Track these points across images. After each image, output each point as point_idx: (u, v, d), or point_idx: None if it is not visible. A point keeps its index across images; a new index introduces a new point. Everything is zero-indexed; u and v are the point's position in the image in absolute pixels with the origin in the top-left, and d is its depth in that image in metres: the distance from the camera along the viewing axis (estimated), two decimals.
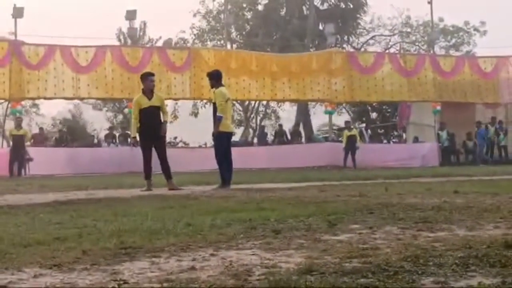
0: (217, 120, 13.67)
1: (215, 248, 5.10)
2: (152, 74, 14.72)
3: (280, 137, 34.77)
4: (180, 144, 37.92)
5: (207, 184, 14.67)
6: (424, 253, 4.64)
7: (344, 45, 47.04)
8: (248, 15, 49.77)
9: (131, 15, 33.16)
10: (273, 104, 47.06)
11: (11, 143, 26.56)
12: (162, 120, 14.05)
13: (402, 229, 6.09)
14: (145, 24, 45.36)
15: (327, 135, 37.20)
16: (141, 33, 44.62)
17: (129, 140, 30.39)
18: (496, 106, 34.43)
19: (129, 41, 41.07)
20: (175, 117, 45.43)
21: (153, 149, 14.03)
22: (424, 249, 4.84)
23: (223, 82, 14.41)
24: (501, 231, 5.52)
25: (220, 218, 7.14)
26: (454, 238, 5.43)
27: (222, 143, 13.89)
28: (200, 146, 34.67)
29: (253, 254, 4.82)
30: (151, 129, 13.74)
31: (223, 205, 9.09)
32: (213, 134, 13.99)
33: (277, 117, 50.17)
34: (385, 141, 39.50)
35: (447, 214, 7.28)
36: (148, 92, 13.93)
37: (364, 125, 42.56)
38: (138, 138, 14.01)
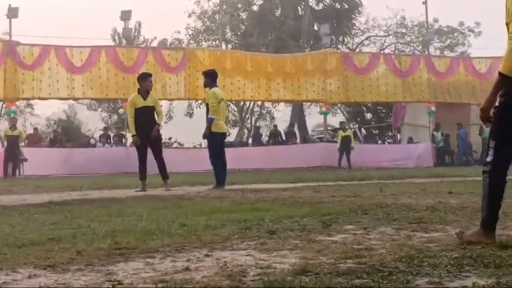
0: (208, 121, 13.67)
1: (210, 249, 5.10)
2: (150, 75, 14.72)
3: (275, 137, 34.80)
4: (174, 145, 37.93)
5: (202, 185, 14.68)
6: (418, 254, 4.64)
7: (339, 46, 47.09)
8: (243, 15, 49.85)
9: (126, 15, 33.13)
10: (268, 104, 47.09)
11: (5, 143, 26.50)
12: (157, 122, 14.06)
13: (396, 230, 6.09)
14: (140, 24, 45.38)
15: (321, 135, 37.23)
16: (136, 34, 44.59)
17: (123, 140, 30.53)
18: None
19: (124, 42, 41.06)
20: (170, 117, 45.46)
21: (149, 149, 14.07)
22: (418, 250, 4.84)
23: (217, 83, 14.41)
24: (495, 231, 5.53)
25: (214, 218, 7.14)
26: (448, 238, 5.44)
27: (216, 143, 13.87)
28: (194, 147, 34.68)
29: (247, 255, 4.82)
30: (145, 129, 13.74)
31: (217, 205, 9.09)
32: (204, 136, 13.98)
33: (272, 118, 50.24)
34: (379, 141, 39.56)
35: (442, 214, 7.29)
36: (144, 92, 13.94)
37: (357, 125, 42.67)
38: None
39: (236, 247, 5.22)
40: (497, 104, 5.09)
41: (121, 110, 32.18)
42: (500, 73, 4.99)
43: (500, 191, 5.14)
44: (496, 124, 5.14)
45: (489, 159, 5.15)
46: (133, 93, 14.46)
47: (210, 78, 14.05)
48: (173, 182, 14.40)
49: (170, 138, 37.46)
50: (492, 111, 5.14)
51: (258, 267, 4.32)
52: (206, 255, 4.82)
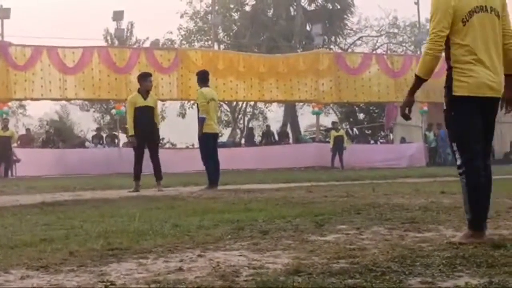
0: (199, 121, 13.71)
1: (203, 249, 5.10)
2: (150, 75, 14.76)
3: (268, 137, 34.79)
4: (167, 145, 37.90)
5: (195, 185, 14.68)
6: (411, 254, 4.65)
7: (331, 46, 47.13)
8: (236, 16, 49.81)
9: (118, 16, 33.10)
10: (260, 104, 47.10)
11: None
12: (157, 123, 14.12)
13: (389, 230, 6.10)
14: (132, 25, 45.31)
15: (314, 135, 37.24)
16: (128, 34, 44.54)
17: (116, 141, 30.48)
18: None
19: (116, 42, 41.01)
20: (163, 118, 45.42)
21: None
22: (411, 250, 4.85)
23: (210, 83, 14.42)
24: (487, 231, 5.53)
25: (207, 219, 7.14)
26: (441, 238, 5.45)
27: (207, 144, 13.86)
28: (187, 147, 34.66)
29: (240, 255, 4.82)
30: (145, 128, 13.75)
31: (210, 206, 9.09)
32: (199, 137, 13.97)
33: (265, 118, 50.22)
34: (372, 141, 39.59)
35: (434, 214, 7.30)
36: (144, 92, 13.97)
37: (349, 126, 42.73)
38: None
39: (229, 247, 5.22)
40: (444, 107, 5.24)
41: (113, 111, 32.10)
42: (416, 75, 5.30)
43: (480, 190, 5.18)
44: (450, 126, 5.29)
45: (459, 162, 5.24)
46: (133, 93, 14.50)
47: (200, 78, 14.12)
48: (166, 182, 14.40)
49: (162, 139, 37.39)
50: (443, 115, 5.39)
51: (251, 267, 4.33)
52: (199, 256, 4.83)
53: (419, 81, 5.32)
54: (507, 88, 5.34)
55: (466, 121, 5.17)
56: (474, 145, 5.21)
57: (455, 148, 5.25)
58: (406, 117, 5.50)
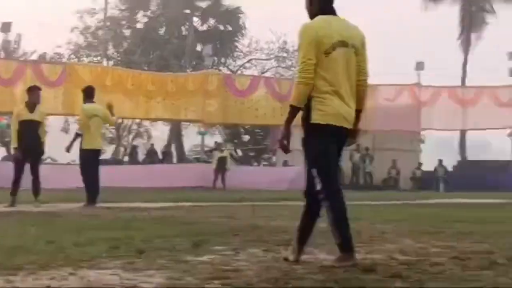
0: (74, 135, 13.73)
1: (75, 267, 5.01)
2: (39, 89, 14.42)
3: (152, 156, 34.61)
4: (48, 160, 37.08)
5: (74, 202, 14.40)
6: (284, 276, 4.71)
7: (221, 67, 47.36)
8: (127, 32, 49.42)
9: (6, 27, 32.50)
10: (146, 123, 46.80)
11: None
12: (41, 137, 13.80)
13: (265, 252, 6.16)
14: (20, 37, 44.36)
15: (199, 155, 37.29)
16: (16, 46, 43.60)
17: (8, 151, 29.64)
18: (363, 132, 35.35)
19: (2, 54, 40.08)
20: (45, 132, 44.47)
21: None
22: (284, 272, 4.91)
23: (96, 99, 14.32)
24: (360, 255, 5.66)
25: (84, 236, 7.03)
26: (315, 261, 5.54)
27: (87, 160, 13.70)
28: (68, 163, 34.04)
29: (113, 274, 4.77)
30: (27, 142, 13.42)
31: (88, 223, 8.96)
32: (66, 149, 13.89)
33: (150, 136, 49.92)
34: (255, 163, 39.93)
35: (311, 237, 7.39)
36: (32, 105, 13.63)
37: (233, 147, 43.01)
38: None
39: (103, 266, 5.15)
40: (302, 135, 5.49)
41: None
42: (291, 106, 5.39)
43: (344, 212, 5.34)
44: (309, 152, 5.56)
45: (318, 187, 5.41)
46: (20, 105, 14.19)
47: (86, 94, 14.10)
48: (44, 198, 14.03)
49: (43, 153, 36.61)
50: (301, 143, 5.59)
51: (122, 286, 4.29)
52: (71, 274, 4.74)
53: (295, 111, 5.40)
54: (354, 121, 5.59)
55: (325, 148, 5.38)
56: (332, 170, 5.41)
57: (314, 174, 5.41)
58: (286, 149, 5.54)
